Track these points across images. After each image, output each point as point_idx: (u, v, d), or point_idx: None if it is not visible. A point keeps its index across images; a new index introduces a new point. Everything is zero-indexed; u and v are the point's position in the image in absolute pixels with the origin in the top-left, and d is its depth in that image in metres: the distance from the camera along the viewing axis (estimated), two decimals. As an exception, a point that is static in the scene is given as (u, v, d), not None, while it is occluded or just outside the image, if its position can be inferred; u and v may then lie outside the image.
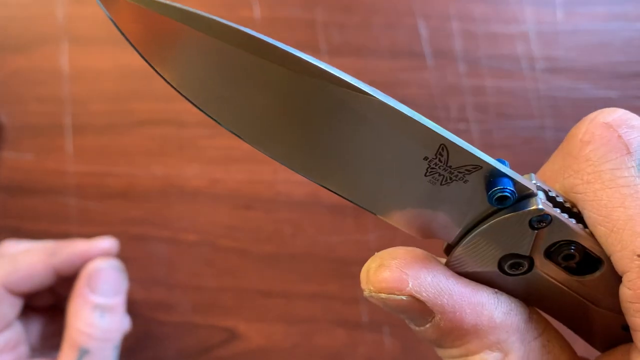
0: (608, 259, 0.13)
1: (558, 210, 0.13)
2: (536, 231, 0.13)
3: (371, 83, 0.37)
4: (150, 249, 0.36)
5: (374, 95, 0.13)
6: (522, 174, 0.14)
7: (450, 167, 0.13)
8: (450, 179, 0.13)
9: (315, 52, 0.36)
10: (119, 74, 0.36)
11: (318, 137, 0.13)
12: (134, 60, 0.36)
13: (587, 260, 0.13)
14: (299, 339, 0.36)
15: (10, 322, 0.27)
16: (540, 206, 0.13)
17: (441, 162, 0.13)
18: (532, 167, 0.36)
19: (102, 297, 0.27)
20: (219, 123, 0.13)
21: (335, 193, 0.15)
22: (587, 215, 0.13)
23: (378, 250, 0.37)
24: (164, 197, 0.36)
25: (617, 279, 0.13)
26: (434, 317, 0.14)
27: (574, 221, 0.13)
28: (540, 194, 0.13)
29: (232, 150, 0.36)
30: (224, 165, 0.36)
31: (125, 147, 0.36)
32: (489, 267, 0.14)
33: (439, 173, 0.13)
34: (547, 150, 0.35)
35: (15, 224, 0.36)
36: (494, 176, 0.13)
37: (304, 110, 0.13)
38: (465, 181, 0.13)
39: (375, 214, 0.15)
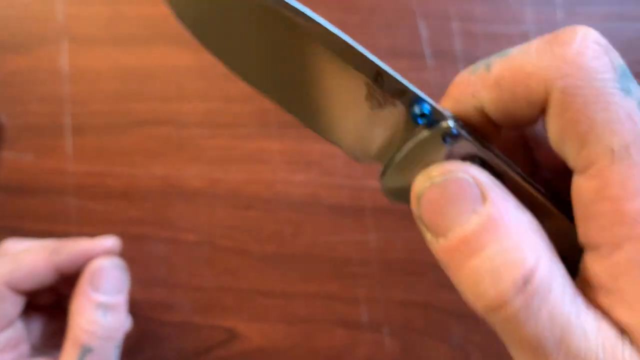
0: (507, 173, 0.16)
1: (465, 130, 0.16)
2: (448, 146, 0.16)
3: (371, 83, 0.37)
4: (150, 249, 0.36)
5: (325, 25, 0.15)
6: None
7: (384, 92, 0.16)
8: (385, 103, 0.16)
9: (315, 52, 0.36)
10: (119, 74, 0.36)
11: (278, 64, 0.16)
12: (134, 60, 0.36)
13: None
14: (298, 339, 0.36)
15: (12, 320, 0.27)
16: (451, 124, 0.16)
17: (377, 87, 0.16)
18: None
19: (105, 295, 0.27)
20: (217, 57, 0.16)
21: (291, 114, 0.17)
22: (570, 109, 0.14)
23: (378, 250, 0.37)
24: (164, 197, 0.36)
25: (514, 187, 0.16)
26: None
27: (476, 140, 0.16)
28: (451, 117, 0.16)
29: (231, 151, 0.36)
30: (224, 166, 0.36)
31: (125, 147, 0.36)
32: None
33: (376, 98, 0.16)
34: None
35: (15, 223, 0.36)
36: (417, 100, 0.16)
37: (273, 40, 0.16)
38: (395, 105, 0.16)
39: (324, 137, 0.17)
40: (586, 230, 0.14)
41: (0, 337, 0.27)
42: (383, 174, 0.17)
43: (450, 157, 0.16)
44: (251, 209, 0.36)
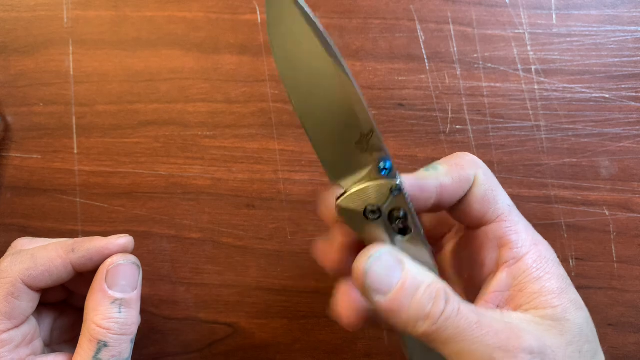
0: (415, 221, 0.23)
1: (407, 195, 0.23)
2: (391, 196, 0.23)
3: (370, 85, 0.38)
4: (154, 247, 0.36)
5: (357, 89, 0.22)
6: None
7: (369, 143, 0.22)
8: (366, 150, 0.22)
9: (315, 55, 0.37)
10: (123, 76, 0.37)
11: (324, 102, 0.23)
12: (139, 62, 0.37)
13: (406, 227, 0.23)
14: (299, 334, 0.36)
15: (27, 316, 0.28)
16: (399, 182, 0.22)
17: (366, 139, 0.22)
18: (526, 166, 0.37)
19: (121, 291, 0.27)
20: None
21: (306, 132, 0.23)
22: (487, 183, 0.25)
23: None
24: (168, 196, 0.36)
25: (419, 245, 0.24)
26: None
27: (410, 201, 0.23)
28: (400, 178, 0.23)
29: (234, 151, 0.37)
30: (227, 165, 0.37)
31: (130, 147, 0.37)
32: (359, 209, 0.23)
33: (362, 144, 0.22)
34: (541, 151, 0.36)
35: (22, 222, 0.37)
36: (386, 158, 0.23)
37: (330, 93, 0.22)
38: (372, 154, 0.22)
39: (316, 152, 0.23)
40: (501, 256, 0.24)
41: (16, 332, 0.27)
42: (340, 196, 0.23)
43: (388, 205, 0.23)
44: (253, 208, 0.37)
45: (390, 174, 0.23)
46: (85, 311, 0.27)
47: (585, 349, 0.22)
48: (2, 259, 0.28)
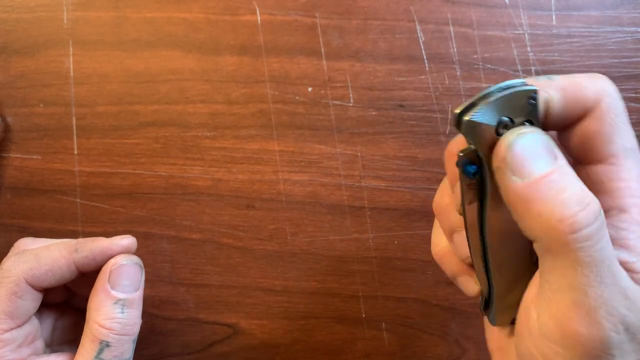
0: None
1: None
2: (529, 105, 0.20)
3: (370, 86, 0.38)
4: (155, 247, 0.36)
5: None
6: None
7: None
8: None
9: (314, 55, 0.37)
10: (123, 77, 0.37)
11: None
12: (139, 63, 0.37)
13: None
14: (299, 335, 0.36)
15: (30, 316, 0.28)
16: (534, 89, 0.20)
17: None
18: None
19: (124, 292, 0.27)
20: None
21: None
22: (608, 116, 0.21)
23: (376, 248, 0.38)
24: (168, 197, 0.37)
25: None
26: None
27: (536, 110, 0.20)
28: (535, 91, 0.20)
29: (234, 151, 0.37)
30: (226, 166, 0.37)
31: (130, 148, 0.37)
32: (491, 123, 0.19)
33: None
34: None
35: (23, 223, 0.37)
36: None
37: None
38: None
39: None
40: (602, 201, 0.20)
41: (19, 332, 0.27)
42: (466, 109, 0.19)
43: (526, 114, 0.20)
44: (253, 209, 0.37)
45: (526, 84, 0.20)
46: (88, 311, 0.27)
47: None
48: (5, 258, 0.28)
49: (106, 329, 0.26)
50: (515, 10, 0.37)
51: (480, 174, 0.20)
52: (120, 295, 0.27)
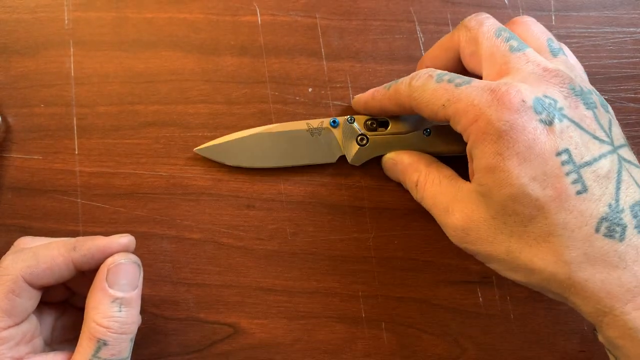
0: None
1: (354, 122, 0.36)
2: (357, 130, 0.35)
3: (370, 86, 0.38)
4: (155, 247, 0.37)
5: None
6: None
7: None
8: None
9: (315, 56, 0.37)
10: (124, 77, 0.37)
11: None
12: (139, 64, 0.37)
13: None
14: (299, 334, 0.36)
15: (29, 314, 0.28)
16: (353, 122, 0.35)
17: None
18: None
19: (122, 290, 0.27)
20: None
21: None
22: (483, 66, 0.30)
23: (376, 248, 0.38)
24: (169, 197, 0.37)
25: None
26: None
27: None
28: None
29: (234, 151, 0.37)
30: (227, 166, 0.37)
31: (131, 148, 0.37)
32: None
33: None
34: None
35: (23, 223, 0.37)
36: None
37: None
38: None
39: None
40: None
41: (16, 330, 0.27)
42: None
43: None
44: (253, 209, 0.37)
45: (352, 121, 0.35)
46: (86, 310, 0.27)
47: (511, 221, 0.25)
48: (4, 256, 0.28)
49: (104, 327, 0.26)
50: (515, 11, 0.38)
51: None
52: (118, 294, 0.27)
